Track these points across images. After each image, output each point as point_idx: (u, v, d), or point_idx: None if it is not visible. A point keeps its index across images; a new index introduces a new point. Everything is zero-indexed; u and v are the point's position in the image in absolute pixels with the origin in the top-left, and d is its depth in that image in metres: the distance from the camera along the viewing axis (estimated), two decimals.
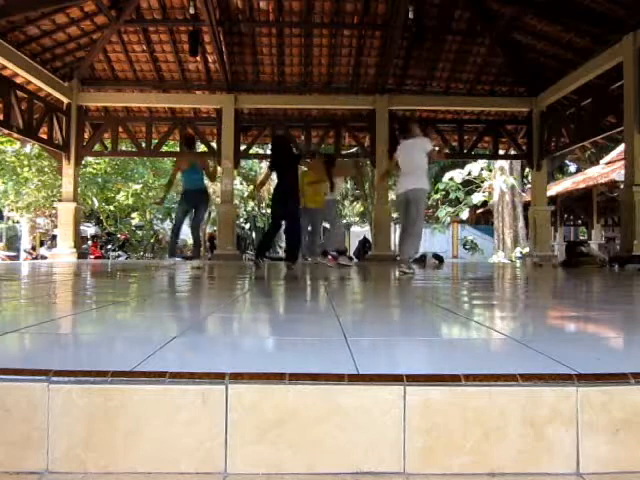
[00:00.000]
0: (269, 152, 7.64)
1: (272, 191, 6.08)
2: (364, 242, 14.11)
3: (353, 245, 17.94)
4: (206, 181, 6.53)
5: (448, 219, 16.88)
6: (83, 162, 11.62)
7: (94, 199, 16.22)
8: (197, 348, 1.30)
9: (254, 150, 11.47)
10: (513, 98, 10.66)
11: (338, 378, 0.93)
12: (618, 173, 11.82)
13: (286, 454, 0.90)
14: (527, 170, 15.08)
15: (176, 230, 6.47)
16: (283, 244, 21.23)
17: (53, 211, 14.58)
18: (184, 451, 0.90)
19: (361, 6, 8.92)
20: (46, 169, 14.83)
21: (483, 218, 20.58)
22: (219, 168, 10.14)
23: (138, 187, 16.43)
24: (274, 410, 0.91)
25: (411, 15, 8.17)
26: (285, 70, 10.38)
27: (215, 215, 8.61)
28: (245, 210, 21.79)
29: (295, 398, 0.91)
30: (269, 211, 23.58)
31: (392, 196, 9.45)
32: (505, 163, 15.22)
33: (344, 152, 12.88)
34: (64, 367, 0.95)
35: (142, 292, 3.14)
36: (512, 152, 11.69)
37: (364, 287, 3.69)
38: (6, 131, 9.03)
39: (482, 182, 15.93)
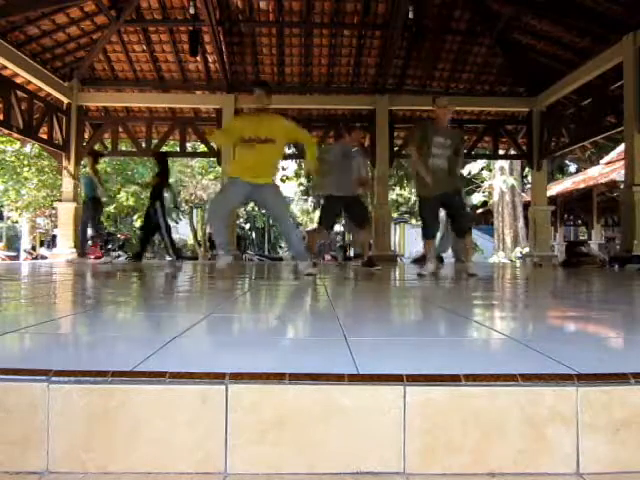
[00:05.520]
0: None
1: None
2: None
3: None
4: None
5: None
6: (83, 162, 11.61)
7: None
8: (197, 348, 1.30)
9: None
10: (513, 98, 10.66)
11: (338, 378, 0.93)
12: (618, 173, 11.82)
13: (286, 454, 0.90)
14: (527, 170, 15.08)
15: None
16: (284, 244, 21.23)
17: (53, 211, 14.58)
18: (184, 451, 0.90)
19: (361, 6, 8.92)
20: (46, 169, 14.83)
21: (483, 218, 20.58)
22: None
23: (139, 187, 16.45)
24: (274, 410, 0.91)
25: (411, 15, 8.18)
26: (285, 70, 10.38)
27: None
28: (245, 210, 21.80)
29: (295, 398, 0.92)
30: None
31: (391, 197, 9.43)
32: (505, 163, 15.22)
33: None
34: (64, 367, 0.95)
35: (142, 292, 3.14)
36: (512, 152, 11.70)
37: (364, 287, 3.69)
38: (6, 131, 9.03)
39: (482, 182, 15.93)
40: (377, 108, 10.28)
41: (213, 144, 10.41)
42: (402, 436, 0.90)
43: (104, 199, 8.62)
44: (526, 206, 13.16)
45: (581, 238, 18.51)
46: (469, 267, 4.58)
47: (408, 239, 18.39)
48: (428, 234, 4.65)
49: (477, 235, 20.50)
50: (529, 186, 13.97)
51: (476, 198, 15.57)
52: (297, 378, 0.93)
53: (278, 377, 0.93)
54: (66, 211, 10.07)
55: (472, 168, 15.21)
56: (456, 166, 4.52)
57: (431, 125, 4.59)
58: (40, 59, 9.02)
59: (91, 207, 8.11)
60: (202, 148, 13.86)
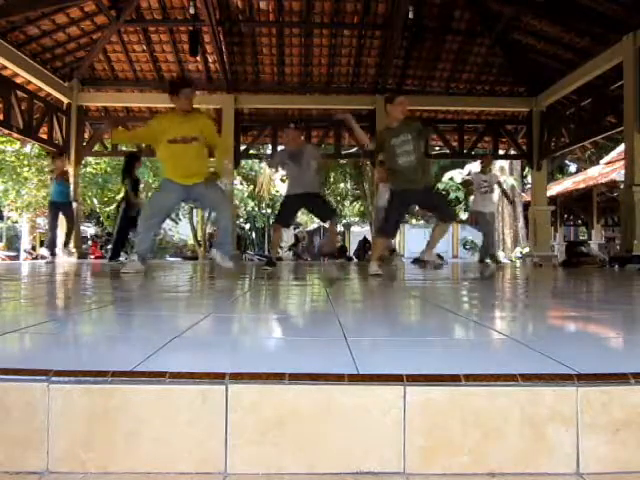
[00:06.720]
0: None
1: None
2: (364, 242, 14.10)
3: (353, 245, 17.94)
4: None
5: None
6: (83, 162, 11.61)
7: (94, 199, 16.22)
8: (197, 348, 1.30)
9: (254, 150, 11.47)
10: (513, 98, 10.67)
11: (338, 378, 0.93)
12: (618, 173, 11.82)
13: (286, 454, 0.90)
14: (527, 170, 15.08)
15: None
16: (283, 244, 21.19)
17: None
18: (184, 451, 0.90)
19: (361, 6, 8.93)
20: (46, 169, 14.82)
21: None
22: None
23: None
24: (274, 410, 0.91)
25: (411, 15, 8.18)
26: (285, 70, 10.39)
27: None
28: (245, 210, 21.79)
29: (295, 398, 0.92)
30: (269, 211, 23.67)
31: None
32: (505, 163, 15.23)
33: (344, 152, 12.92)
34: (64, 367, 0.95)
35: (143, 292, 3.14)
36: (512, 152, 11.70)
37: (364, 287, 3.69)
38: (6, 131, 9.03)
39: None
40: (377, 108, 10.27)
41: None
42: (402, 436, 0.90)
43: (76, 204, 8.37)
44: (526, 206, 13.16)
45: (581, 238, 18.51)
46: (370, 267, 4.35)
47: (408, 239, 18.41)
48: (385, 231, 4.50)
49: (477, 235, 20.51)
50: (529, 186, 13.98)
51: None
52: (297, 378, 0.93)
53: (278, 377, 0.93)
54: None
55: (472, 168, 15.22)
56: (425, 162, 4.48)
57: (385, 131, 4.47)
58: (40, 59, 9.03)
59: (54, 213, 7.55)
60: None
